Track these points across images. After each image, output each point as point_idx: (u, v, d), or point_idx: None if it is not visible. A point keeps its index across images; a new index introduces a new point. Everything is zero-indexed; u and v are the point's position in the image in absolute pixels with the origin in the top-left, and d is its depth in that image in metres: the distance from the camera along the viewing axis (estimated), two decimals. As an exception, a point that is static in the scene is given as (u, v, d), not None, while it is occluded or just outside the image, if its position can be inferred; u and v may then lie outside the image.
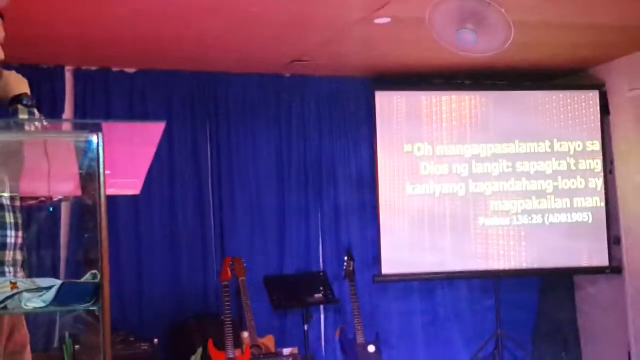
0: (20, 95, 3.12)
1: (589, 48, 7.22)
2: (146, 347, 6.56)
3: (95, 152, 2.54)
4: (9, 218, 3.04)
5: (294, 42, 6.70)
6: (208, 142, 7.50)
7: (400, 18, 6.05)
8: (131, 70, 7.28)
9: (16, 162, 2.74)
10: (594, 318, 8.03)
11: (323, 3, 5.71)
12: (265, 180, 7.65)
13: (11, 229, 3.04)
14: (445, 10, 5.27)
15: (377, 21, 6.11)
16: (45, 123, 3.03)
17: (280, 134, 7.75)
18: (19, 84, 3.16)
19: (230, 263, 6.92)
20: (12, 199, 3.03)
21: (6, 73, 3.18)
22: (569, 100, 7.87)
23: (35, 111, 3.13)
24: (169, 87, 7.37)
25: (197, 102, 7.46)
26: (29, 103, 3.11)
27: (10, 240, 3.04)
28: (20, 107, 3.09)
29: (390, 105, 7.69)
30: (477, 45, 5.44)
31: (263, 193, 7.63)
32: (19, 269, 3.08)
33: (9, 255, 3.03)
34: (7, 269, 3.01)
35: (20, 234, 3.10)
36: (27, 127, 2.96)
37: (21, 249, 3.11)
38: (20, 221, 3.10)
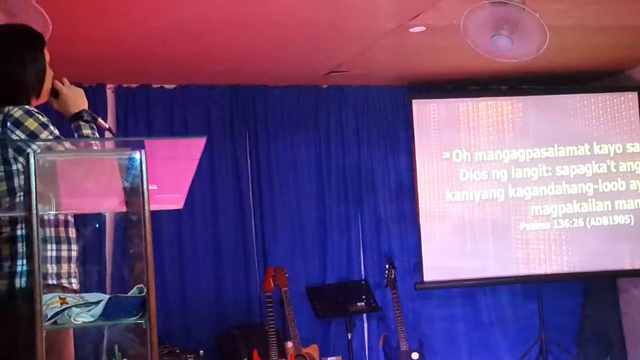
0: (80, 112, 3.19)
1: (625, 50, 7.18)
2: (192, 358, 6.64)
3: (139, 168, 2.60)
4: (65, 232, 3.11)
5: (330, 53, 6.73)
6: (247, 155, 7.56)
7: (435, 26, 6.06)
8: (170, 86, 7.37)
9: (57, 180, 2.80)
10: (639, 320, 7.97)
11: (357, 13, 5.73)
12: (305, 190, 7.70)
13: (69, 243, 3.12)
14: (480, 17, 5.26)
15: (412, 30, 6.13)
16: (89, 141, 3.10)
17: (319, 144, 7.79)
18: (77, 100, 3.26)
19: (273, 274, 6.97)
20: (65, 214, 3.10)
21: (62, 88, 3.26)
22: (607, 103, 7.82)
23: (100, 119, 3.21)
24: (208, 102, 7.45)
25: (235, 116, 7.53)
26: (89, 118, 3.19)
27: (72, 253, 3.13)
28: (82, 123, 3.17)
29: (427, 113, 7.69)
30: (512, 51, 5.42)
31: (303, 203, 7.68)
32: (77, 281, 3.17)
33: (73, 268, 3.12)
34: (73, 280, 3.11)
35: (76, 247, 3.17)
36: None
37: (76, 261, 3.18)
38: (74, 235, 3.17)
